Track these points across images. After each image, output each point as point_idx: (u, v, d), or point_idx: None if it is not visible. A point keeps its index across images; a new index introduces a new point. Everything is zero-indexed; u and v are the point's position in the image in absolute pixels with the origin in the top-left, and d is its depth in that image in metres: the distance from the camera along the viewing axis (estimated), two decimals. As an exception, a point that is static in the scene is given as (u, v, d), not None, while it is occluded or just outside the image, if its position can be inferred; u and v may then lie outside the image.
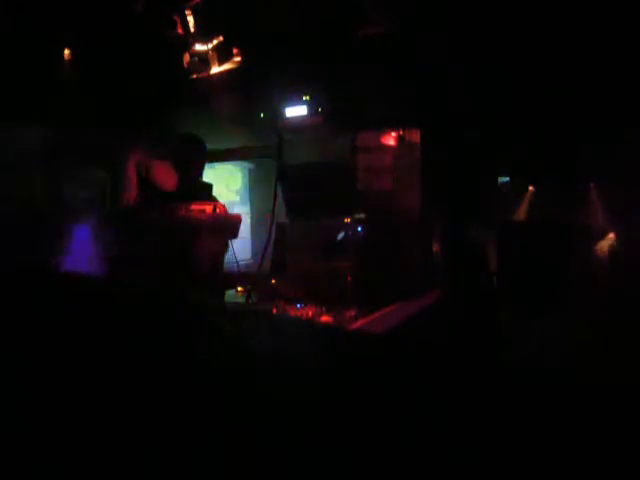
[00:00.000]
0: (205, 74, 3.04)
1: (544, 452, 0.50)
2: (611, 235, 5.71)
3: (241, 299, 3.31)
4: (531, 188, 7.17)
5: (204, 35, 2.90)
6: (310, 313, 2.76)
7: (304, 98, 3.29)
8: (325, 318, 2.65)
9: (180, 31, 2.84)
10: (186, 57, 2.98)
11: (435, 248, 3.72)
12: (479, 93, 3.34)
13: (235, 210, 5.95)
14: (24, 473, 0.51)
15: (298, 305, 2.94)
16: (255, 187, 6.93)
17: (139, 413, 0.60)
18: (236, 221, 3.35)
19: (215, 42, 2.96)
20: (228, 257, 3.45)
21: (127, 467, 0.51)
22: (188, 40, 2.91)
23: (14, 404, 0.62)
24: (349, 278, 3.07)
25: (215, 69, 3.03)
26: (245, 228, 6.06)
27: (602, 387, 0.62)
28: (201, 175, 3.45)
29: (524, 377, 0.71)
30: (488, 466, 0.49)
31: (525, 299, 5.03)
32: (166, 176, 3.07)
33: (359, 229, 3.21)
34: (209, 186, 3.46)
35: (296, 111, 3.32)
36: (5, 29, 2.32)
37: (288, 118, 3.35)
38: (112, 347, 0.79)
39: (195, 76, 3.04)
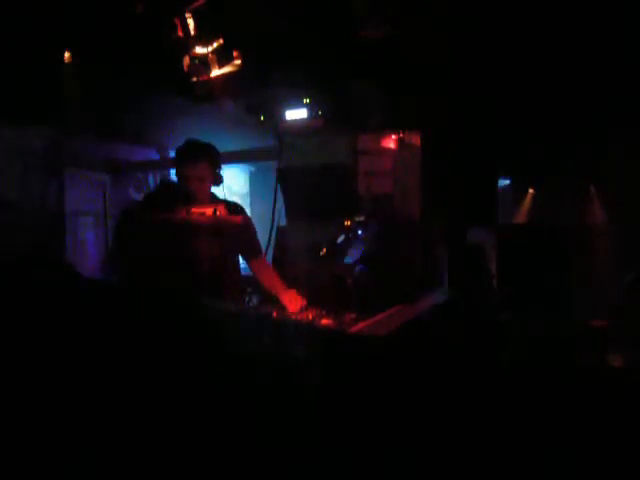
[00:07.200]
0: (205, 77, 3.04)
1: (544, 450, 0.50)
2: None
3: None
4: (531, 190, 7.18)
5: (204, 38, 2.91)
6: (310, 316, 2.75)
7: (304, 101, 3.29)
8: (325, 321, 2.64)
9: (180, 34, 2.85)
10: (186, 60, 2.99)
11: (436, 250, 3.72)
12: (479, 94, 3.35)
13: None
14: (23, 473, 0.51)
15: (298, 308, 2.93)
16: (256, 190, 6.94)
17: (139, 413, 0.60)
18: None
19: (215, 45, 2.96)
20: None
21: (127, 466, 0.51)
22: (188, 43, 2.92)
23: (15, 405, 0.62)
24: (349, 281, 3.07)
25: (215, 72, 3.04)
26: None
27: (601, 387, 0.62)
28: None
29: (524, 377, 0.71)
30: (489, 464, 0.49)
31: (525, 300, 5.03)
32: None
33: (359, 232, 3.21)
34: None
35: (296, 114, 3.33)
36: (5, 29, 2.32)
37: (288, 121, 3.36)
38: (111, 348, 0.79)
39: (195, 79, 3.04)
